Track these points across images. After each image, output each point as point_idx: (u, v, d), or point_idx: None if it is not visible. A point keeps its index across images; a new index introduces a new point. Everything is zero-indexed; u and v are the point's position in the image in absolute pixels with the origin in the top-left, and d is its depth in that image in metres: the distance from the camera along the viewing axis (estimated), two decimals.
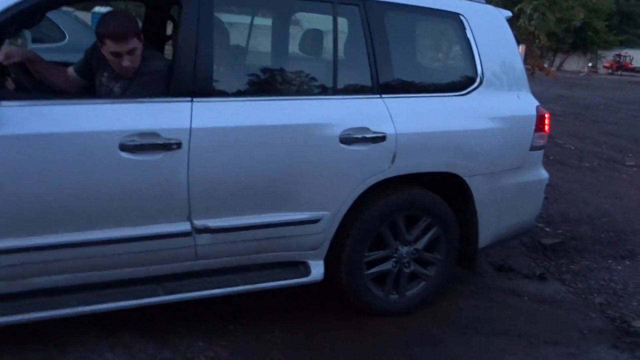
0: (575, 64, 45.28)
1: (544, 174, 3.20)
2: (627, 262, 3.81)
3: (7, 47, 3.09)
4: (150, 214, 2.29)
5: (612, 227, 4.49)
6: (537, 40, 5.62)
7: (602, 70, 42.60)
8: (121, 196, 2.22)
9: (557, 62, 45.52)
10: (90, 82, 2.71)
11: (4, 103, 2.09)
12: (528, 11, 5.16)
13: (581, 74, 36.78)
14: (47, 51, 6.20)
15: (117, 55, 2.38)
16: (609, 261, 3.81)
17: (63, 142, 2.11)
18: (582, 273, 3.60)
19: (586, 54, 44.87)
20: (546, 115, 3.08)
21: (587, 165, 6.87)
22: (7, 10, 2.05)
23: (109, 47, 2.37)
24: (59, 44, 6.51)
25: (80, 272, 2.27)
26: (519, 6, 5.34)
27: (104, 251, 2.25)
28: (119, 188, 2.20)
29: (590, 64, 41.99)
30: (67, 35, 6.37)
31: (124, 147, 2.16)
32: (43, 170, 2.10)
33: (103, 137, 2.15)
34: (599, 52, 44.71)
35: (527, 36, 5.51)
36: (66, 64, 3.00)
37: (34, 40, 6.34)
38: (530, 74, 6.23)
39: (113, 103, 2.28)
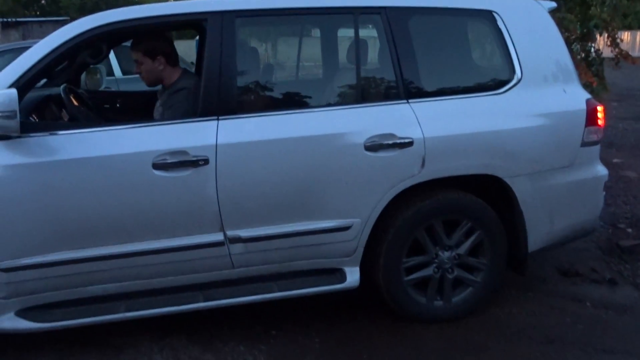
0: None
1: (601, 170, 2.99)
2: None
3: (84, 82, 3.53)
4: (185, 226, 2.48)
5: None
6: (610, 28, 5.19)
7: None
8: (157, 210, 2.43)
9: None
10: None
11: (60, 132, 2.40)
12: None
13: None
14: (139, 80, 6.86)
15: (136, 62, 2.88)
16: None
17: (104, 164, 2.37)
18: None
19: None
20: (599, 109, 2.88)
21: None
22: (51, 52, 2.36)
23: (132, 55, 2.83)
24: None
25: (126, 280, 2.52)
26: None
27: (145, 261, 2.47)
28: (155, 203, 2.42)
29: None
30: None
31: (156, 166, 2.38)
32: (89, 190, 2.37)
33: (138, 158, 2.38)
34: None
35: (603, 24, 5.12)
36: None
37: (128, 72, 6.99)
38: (615, 63, 5.75)
39: (146, 126, 2.51)
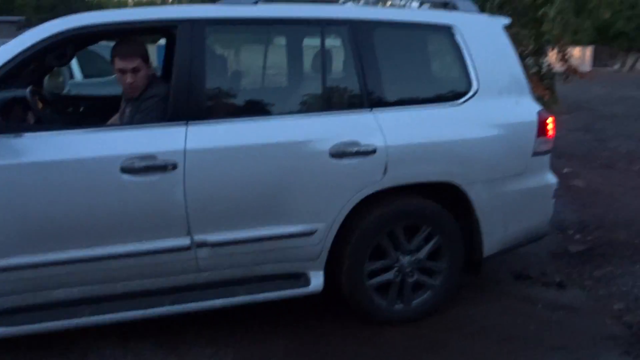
0: None
1: (551, 178, 3.17)
2: None
3: (46, 84, 3.49)
4: (153, 230, 2.50)
5: None
6: (561, 44, 5.50)
7: None
8: (125, 214, 2.45)
9: (629, 62, 43.24)
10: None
11: (26, 135, 2.39)
12: (552, 15, 5.07)
13: None
14: (102, 85, 6.78)
15: (123, 72, 2.70)
16: (637, 266, 3.66)
17: (72, 167, 2.37)
18: (605, 279, 3.49)
19: None
20: (549, 120, 3.06)
21: (637, 168, 6.55)
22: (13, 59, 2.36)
23: (117, 64, 2.71)
24: (111, 77, 7.08)
25: (91, 284, 2.52)
26: (542, 10, 5.25)
27: (111, 265, 2.48)
28: (123, 207, 2.43)
29: None
30: None
31: (125, 170, 2.40)
32: (56, 193, 2.37)
33: (106, 161, 2.40)
34: None
35: (555, 40, 5.41)
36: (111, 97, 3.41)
37: (90, 75, 6.91)
38: (565, 77, 6.06)
39: (115, 130, 2.52)
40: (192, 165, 2.47)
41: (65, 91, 6.09)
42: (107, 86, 6.45)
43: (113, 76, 7.31)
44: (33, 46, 2.42)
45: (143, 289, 2.59)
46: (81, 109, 3.76)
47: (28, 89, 2.85)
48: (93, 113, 3.61)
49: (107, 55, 7.05)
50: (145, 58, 2.77)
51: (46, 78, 3.62)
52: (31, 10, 37.53)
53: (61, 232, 2.40)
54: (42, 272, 2.41)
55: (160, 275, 2.59)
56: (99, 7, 41.50)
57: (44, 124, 2.59)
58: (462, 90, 2.93)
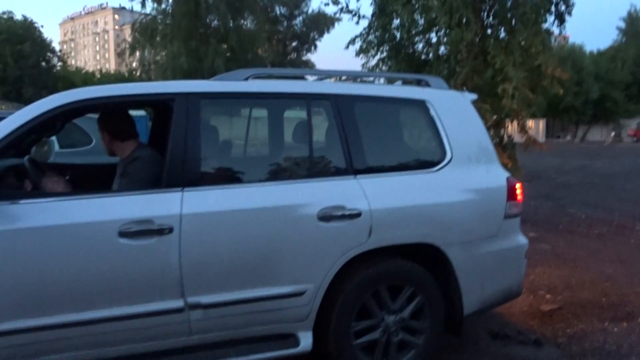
0: (599, 134, 45.37)
1: (522, 240, 3.37)
2: (625, 324, 3.84)
3: (33, 154, 3.57)
4: (147, 293, 2.55)
5: (614, 291, 4.53)
6: (519, 117, 5.96)
7: (627, 139, 42.43)
8: (120, 277, 2.50)
9: (580, 133, 45.78)
10: None
11: (22, 202, 2.47)
12: (510, 91, 5.52)
13: (605, 144, 36.72)
14: (76, 154, 6.86)
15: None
16: (606, 324, 3.85)
17: (69, 232, 2.44)
18: (577, 336, 3.65)
19: (608, 124, 45.02)
20: (517, 186, 3.30)
21: (596, 232, 6.91)
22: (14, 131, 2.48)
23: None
24: (87, 147, 7.17)
25: (84, 349, 2.51)
26: (501, 87, 5.72)
27: (105, 329, 2.50)
28: (118, 270, 2.50)
29: (613, 134, 41.95)
30: (93, 139, 7.02)
31: (122, 234, 2.48)
32: (52, 257, 2.42)
33: (104, 226, 2.48)
34: (622, 120, 44.83)
35: (513, 114, 5.86)
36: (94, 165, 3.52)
37: (66, 146, 6.99)
38: (524, 148, 6.49)
39: (113, 196, 2.63)
40: (188, 228, 2.57)
41: (50, 160, 6.14)
42: (81, 156, 6.56)
43: (87, 147, 7.43)
44: (33, 119, 2.54)
45: (135, 353, 2.60)
46: (67, 177, 3.83)
47: (26, 158, 2.95)
48: (81, 180, 3.68)
49: (83, 126, 7.18)
50: (110, 131, 3.09)
51: (33, 148, 3.72)
52: None
53: (55, 296, 2.43)
54: (34, 337, 2.41)
55: (152, 338, 2.61)
56: (65, 79, 41.88)
57: (43, 191, 2.67)
58: (437, 159, 3.16)
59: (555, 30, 6.79)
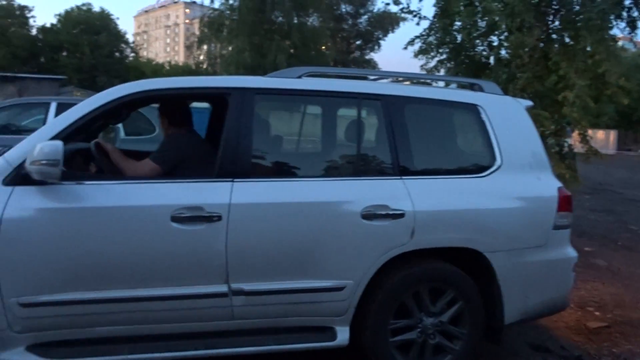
0: None
1: (571, 252, 3.29)
2: None
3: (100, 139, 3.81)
4: (194, 276, 2.69)
5: None
6: (580, 126, 5.73)
7: None
8: (170, 259, 2.65)
9: None
10: None
11: (87, 182, 2.66)
12: (571, 99, 5.33)
13: None
14: (140, 142, 7.21)
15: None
16: None
17: (127, 213, 2.61)
18: (623, 357, 3.53)
19: None
20: (568, 196, 3.23)
21: None
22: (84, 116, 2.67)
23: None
24: (151, 136, 7.52)
25: (132, 324, 2.68)
26: (562, 94, 5.53)
27: (152, 306, 2.66)
28: (169, 252, 2.65)
29: None
30: (156, 129, 7.35)
31: (174, 219, 2.63)
32: (110, 235, 2.60)
33: (158, 210, 2.63)
34: None
35: (574, 122, 5.65)
36: None
37: (131, 133, 7.37)
38: (585, 159, 6.25)
39: (168, 182, 2.78)
40: (235, 217, 2.69)
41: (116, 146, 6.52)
42: (144, 143, 6.89)
43: (151, 135, 7.81)
44: (100, 107, 2.73)
45: (180, 332, 2.75)
46: None
47: (93, 143, 3.16)
48: None
49: (148, 115, 7.52)
50: (164, 117, 3.37)
51: (100, 134, 3.96)
52: (72, 70, 39.70)
53: (110, 272, 2.60)
54: (89, 309, 2.60)
55: (196, 319, 2.75)
56: (136, 69, 43.70)
57: (107, 174, 2.86)
58: (486, 164, 3.14)
59: (626, 35, 6.47)
